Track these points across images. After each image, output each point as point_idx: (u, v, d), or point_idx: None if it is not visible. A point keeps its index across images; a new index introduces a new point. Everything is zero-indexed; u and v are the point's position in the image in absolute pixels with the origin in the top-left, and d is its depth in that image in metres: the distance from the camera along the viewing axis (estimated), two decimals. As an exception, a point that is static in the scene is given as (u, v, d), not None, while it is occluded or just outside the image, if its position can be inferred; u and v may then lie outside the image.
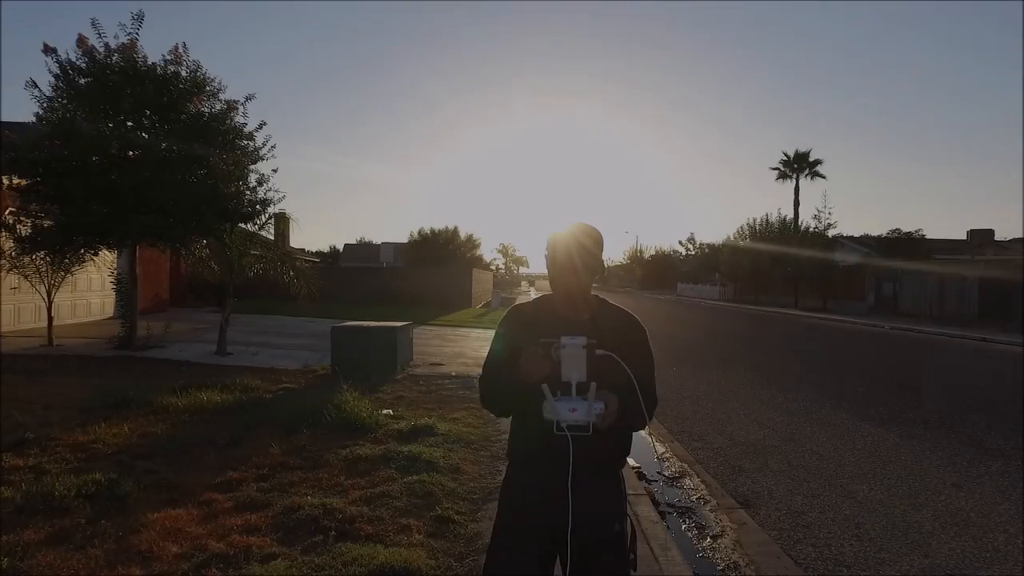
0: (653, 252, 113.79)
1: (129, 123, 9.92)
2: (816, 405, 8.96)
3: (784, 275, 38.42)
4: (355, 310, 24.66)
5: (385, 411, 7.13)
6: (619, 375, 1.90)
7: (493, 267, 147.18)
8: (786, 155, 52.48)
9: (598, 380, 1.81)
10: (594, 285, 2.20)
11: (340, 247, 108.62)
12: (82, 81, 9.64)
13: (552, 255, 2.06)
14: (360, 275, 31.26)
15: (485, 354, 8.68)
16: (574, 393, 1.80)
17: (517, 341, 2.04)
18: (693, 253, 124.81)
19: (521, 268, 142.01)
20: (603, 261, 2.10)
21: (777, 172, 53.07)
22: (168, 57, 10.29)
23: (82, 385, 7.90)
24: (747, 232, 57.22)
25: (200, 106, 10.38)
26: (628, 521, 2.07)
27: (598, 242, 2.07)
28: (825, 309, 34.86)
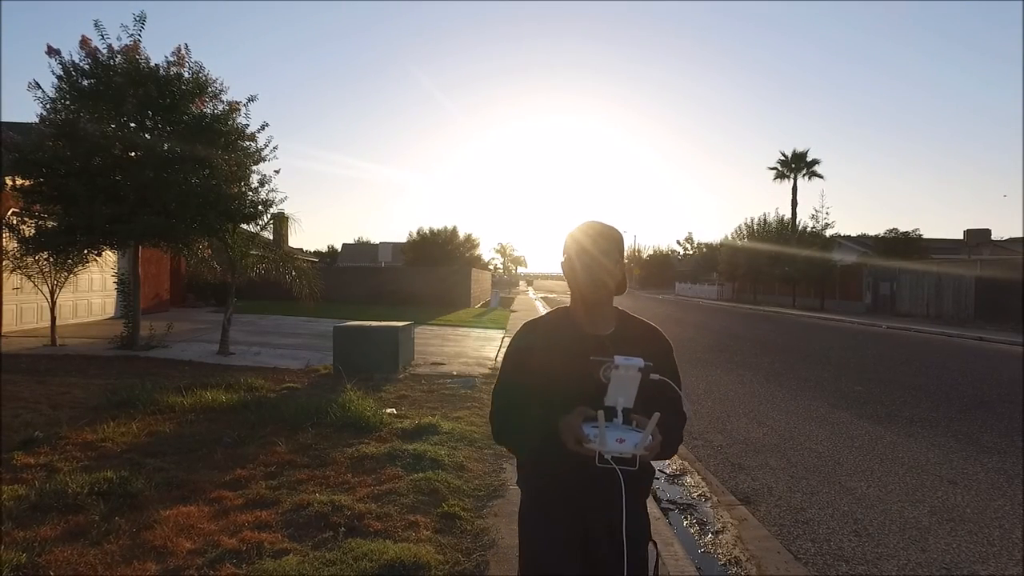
0: (651, 252, 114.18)
1: (132, 124, 9.96)
2: (814, 403, 9.05)
3: (782, 275, 38.55)
4: (355, 310, 24.72)
5: (389, 410, 7.20)
6: (659, 400, 1.75)
7: (491, 267, 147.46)
8: (784, 155, 52.64)
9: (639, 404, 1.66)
10: None
11: (338, 247, 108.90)
12: (85, 83, 9.69)
13: (571, 262, 1.88)
14: (359, 275, 31.30)
15: (486, 353, 8.88)
16: (620, 420, 1.64)
17: (536, 362, 1.85)
18: (691, 253, 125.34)
19: (519, 268, 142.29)
20: (624, 266, 1.90)
21: (775, 172, 53.29)
22: (171, 58, 10.35)
23: (88, 385, 7.96)
24: (745, 232, 57.46)
25: (202, 107, 10.43)
26: (653, 547, 1.92)
27: (619, 246, 1.88)
28: (823, 309, 34.98)
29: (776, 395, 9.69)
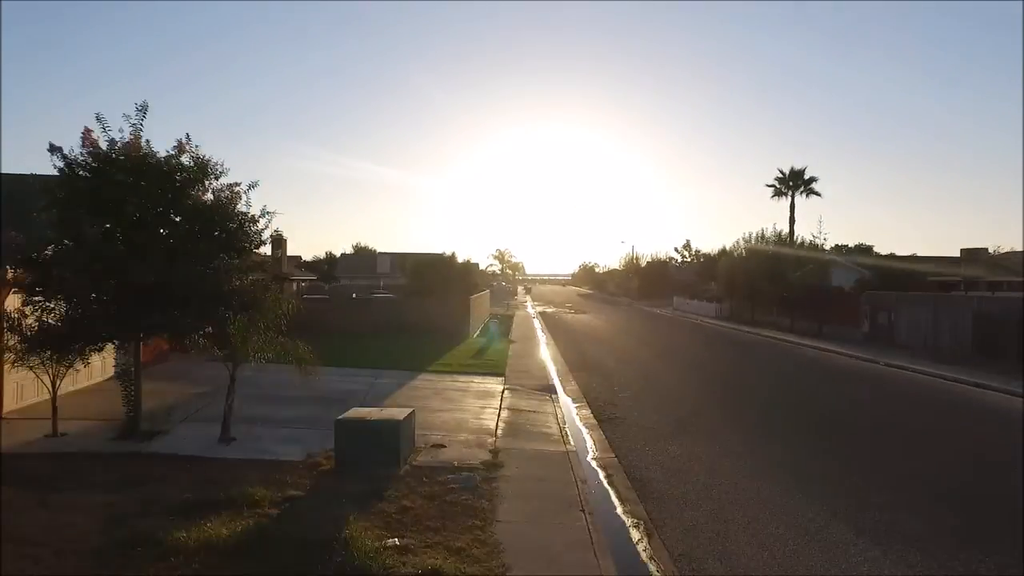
0: (649, 259, 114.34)
1: (135, 216, 9.97)
2: (829, 523, 8.43)
3: (780, 301, 38.73)
4: (354, 347, 24.73)
5: (391, 541, 7.23)
6: None
7: (489, 270, 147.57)
8: (781, 172, 52.90)
9: None
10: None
11: (336, 252, 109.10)
12: (86, 184, 9.71)
13: None
14: (359, 306, 31.58)
15: (486, 423, 9.07)
16: None
17: None
18: (689, 260, 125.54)
19: (517, 274, 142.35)
20: None
21: (773, 189, 53.46)
22: (172, 151, 10.42)
23: (91, 505, 7.96)
24: (743, 246, 57.76)
25: (203, 196, 10.46)
26: None
27: None
28: (820, 334, 35.05)
29: (777, 499, 9.38)
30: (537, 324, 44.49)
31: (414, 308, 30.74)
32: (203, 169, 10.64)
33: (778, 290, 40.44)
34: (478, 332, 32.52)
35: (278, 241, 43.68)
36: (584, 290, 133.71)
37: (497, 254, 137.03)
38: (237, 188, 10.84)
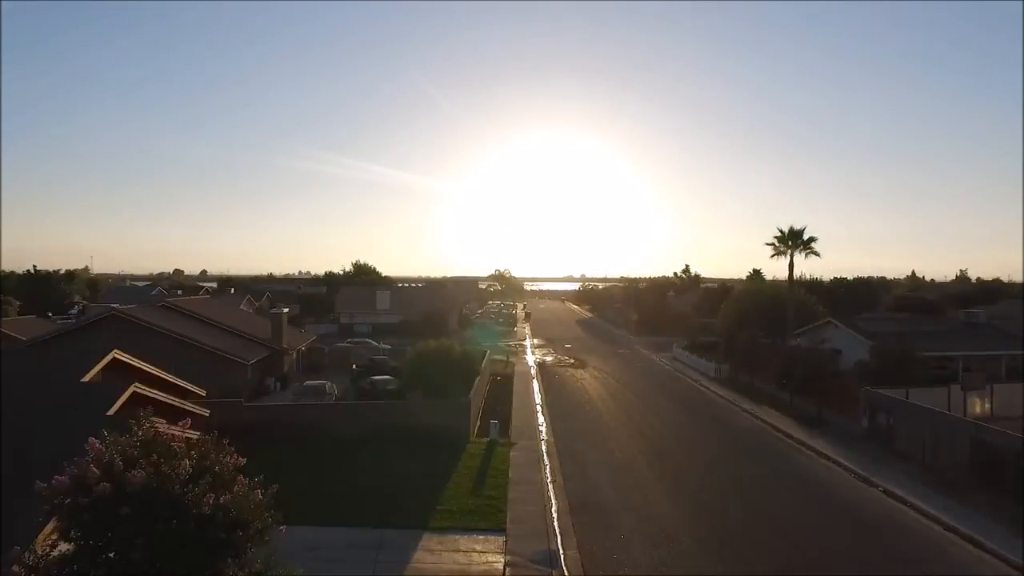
0: (650, 278, 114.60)
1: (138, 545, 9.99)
2: None
3: (780, 383, 38.93)
4: (350, 471, 24.88)
5: None
6: None
7: (489, 291, 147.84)
8: (781, 231, 53.06)
9: None
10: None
11: (336, 269, 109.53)
12: (89, 516, 9.74)
13: None
14: (354, 412, 31.76)
15: None
16: None
17: None
18: (687, 279, 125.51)
19: (516, 294, 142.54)
20: None
21: (772, 248, 53.66)
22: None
23: None
24: (743, 299, 58.12)
25: (206, 507, 10.49)
26: None
27: None
28: (819, 421, 35.14)
29: None
30: (537, 394, 44.75)
31: (415, 408, 31.04)
32: (212, 480, 10.64)
33: (778, 359, 40.94)
34: (476, 431, 32.59)
35: (278, 320, 44.02)
36: (585, 312, 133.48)
37: (497, 274, 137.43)
38: (239, 486, 10.88)
